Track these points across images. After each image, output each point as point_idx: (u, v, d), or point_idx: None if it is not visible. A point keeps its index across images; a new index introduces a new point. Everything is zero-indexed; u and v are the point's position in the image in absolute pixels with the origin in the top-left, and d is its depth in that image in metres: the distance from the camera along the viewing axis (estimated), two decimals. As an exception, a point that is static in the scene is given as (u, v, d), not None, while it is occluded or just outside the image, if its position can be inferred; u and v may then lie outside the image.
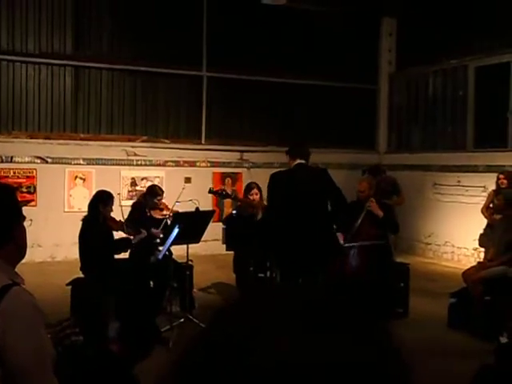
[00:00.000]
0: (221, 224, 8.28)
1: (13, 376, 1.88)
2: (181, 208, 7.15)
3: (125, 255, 7.09)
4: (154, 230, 6.84)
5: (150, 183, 10.83)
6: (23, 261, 2.18)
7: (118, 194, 6.97)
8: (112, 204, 6.54)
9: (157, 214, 7.21)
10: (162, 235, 6.77)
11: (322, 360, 0.55)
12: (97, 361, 2.81)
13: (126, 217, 6.84)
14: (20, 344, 1.89)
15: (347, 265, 6.63)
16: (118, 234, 6.85)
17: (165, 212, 7.25)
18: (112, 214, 6.63)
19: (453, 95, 11.76)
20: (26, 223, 2.17)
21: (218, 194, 7.66)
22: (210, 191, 7.63)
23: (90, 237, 6.34)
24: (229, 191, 8.68)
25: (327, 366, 0.55)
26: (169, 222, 6.88)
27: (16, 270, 2.11)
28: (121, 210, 6.71)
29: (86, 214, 6.58)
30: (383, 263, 6.81)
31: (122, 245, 6.71)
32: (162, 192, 7.38)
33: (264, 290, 0.68)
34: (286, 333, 0.57)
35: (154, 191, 7.32)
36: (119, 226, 6.62)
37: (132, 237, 6.71)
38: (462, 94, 11.51)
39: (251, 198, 7.44)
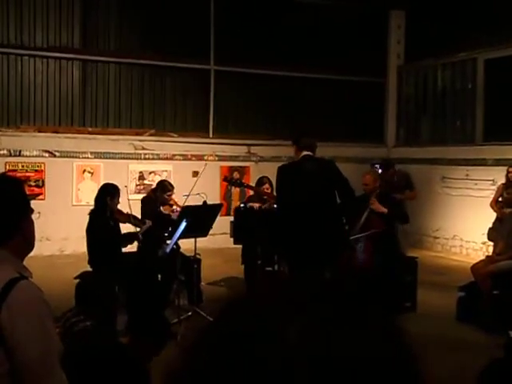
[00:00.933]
0: (228, 218, 8.28)
1: (20, 369, 1.88)
2: (188, 202, 7.15)
3: (133, 248, 7.11)
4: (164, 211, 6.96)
5: (157, 177, 10.86)
6: (32, 254, 2.18)
7: (125, 186, 6.98)
8: (119, 196, 6.55)
9: (166, 210, 7.22)
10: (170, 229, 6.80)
11: (329, 354, 0.54)
12: (106, 353, 2.82)
13: (133, 211, 6.84)
14: (27, 338, 1.89)
15: (355, 259, 6.61)
16: (124, 227, 6.86)
17: (174, 207, 7.27)
18: (119, 207, 6.66)
19: (462, 88, 11.70)
20: (33, 216, 2.17)
21: (233, 183, 7.70)
22: (226, 179, 7.75)
23: (97, 230, 6.35)
24: (243, 181, 8.74)
25: (335, 360, 0.54)
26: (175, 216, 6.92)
27: (24, 263, 2.11)
28: (128, 204, 6.72)
29: (92, 207, 6.59)
30: (391, 255, 6.78)
31: (129, 237, 6.73)
32: (173, 187, 7.40)
33: (272, 282, 0.68)
34: (294, 325, 0.56)
35: (165, 186, 7.34)
36: (126, 218, 6.64)
37: (138, 229, 6.73)
38: (471, 87, 11.44)
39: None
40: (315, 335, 0.55)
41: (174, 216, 6.97)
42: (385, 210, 6.69)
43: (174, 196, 7.50)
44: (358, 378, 0.54)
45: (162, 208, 7.23)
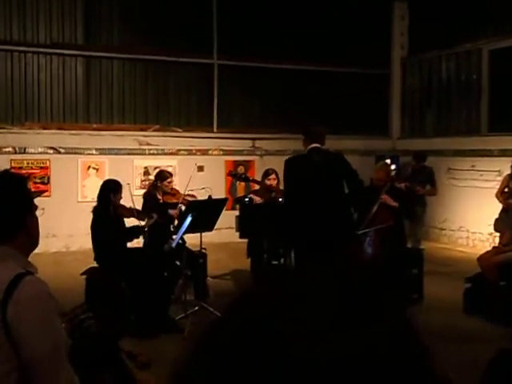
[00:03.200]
0: (234, 212, 8.27)
1: (28, 365, 1.89)
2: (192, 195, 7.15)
3: (138, 244, 7.12)
4: (170, 211, 6.88)
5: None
6: (38, 251, 2.18)
7: (128, 184, 6.97)
8: (121, 192, 6.56)
9: (170, 199, 7.20)
10: (178, 214, 6.81)
11: (339, 351, 0.53)
12: (111, 347, 2.83)
13: (137, 207, 6.84)
14: (34, 333, 1.90)
15: (363, 252, 6.61)
16: (129, 222, 6.86)
17: (177, 197, 7.23)
18: (122, 202, 6.67)
19: (467, 79, 11.64)
20: (38, 212, 2.17)
21: (238, 177, 7.69)
22: (230, 174, 7.75)
23: (102, 226, 6.36)
24: (248, 175, 8.74)
25: (345, 358, 0.53)
26: (183, 207, 6.90)
27: (30, 260, 2.12)
28: (131, 200, 6.72)
29: (95, 204, 6.60)
30: (398, 248, 6.78)
31: (134, 231, 6.72)
32: (171, 175, 7.41)
33: (279, 276, 0.67)
34: (302, 322, 0.55)
35: (163, 175, 7.34)
36: (130, 212, 6.65)
37: (143, 222, 6.74)
38: (476, 78, 11.39)
39: (268, 183, 7.44)
40: (324, 332, 0.55)
41: (181, 206, 6.98)
42: (395, 204, 6.70)
43: (177, 188, 7.50)
44: (372, 375, 0.53)
45: (164, 198, 7.17)
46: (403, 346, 0.57)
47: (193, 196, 7.38)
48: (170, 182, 7.26)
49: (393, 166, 9.36)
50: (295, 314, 0.56)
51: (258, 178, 8.16)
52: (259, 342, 0.54)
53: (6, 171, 2.28)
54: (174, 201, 7.14)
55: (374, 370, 0.53)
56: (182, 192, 7.37)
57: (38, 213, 2.17)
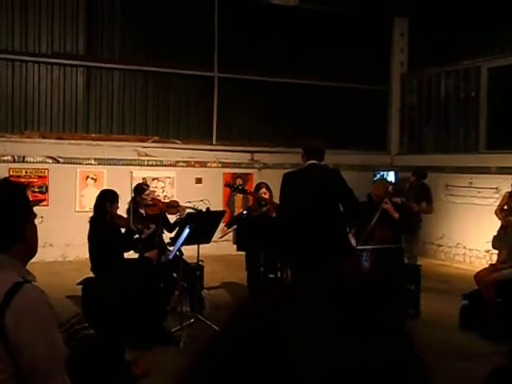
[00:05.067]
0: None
1: (25, 373, 1.88)
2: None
3: (135, 255, 7.10)
4: (147, 254, 6.81)
5: (161, 183, 10.86)
6: (34, 260, 2.17)
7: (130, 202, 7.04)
8: (117, 201, 6.56)
9: (153, 211, 7.16)
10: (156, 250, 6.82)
11: (340, 362, 0.54)
12: (107, 357, 2.81)
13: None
14: (32, 341, 1.89)
15: (359, 267, 6.60)
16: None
17: (159, 207, 7.19)
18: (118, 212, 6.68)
19: (465, 96, 11.69)
20: (37, 220, 2.17)
21: (235, 188, 7.72)
22: (227, 185, 7.78)
23: (98, 237, 6.36)
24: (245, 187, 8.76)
25: (345, 368, 0.53)
26: (168, 215, 6.91)
27: (27, 268, 2.11)
28: (131, 211, 6.73)
29: (92, 214, 6.60)
30: (395, 265, 6.78)
31: (130, 239, 6.70)
32: (148, 186, 7.40)
33: (277, 288, 0.67)
34: (302, 333, 0.55)
35: (140, 188, 7.33)
36: (127, 222, 6.64)
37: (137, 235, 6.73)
38: (475, 95, 11.44)
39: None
40: (325, 343, 0.55)
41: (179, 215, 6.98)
42: (396, 215, 6.71)
43: (156, 194, 7.49)
44: None
45: (147, 210, 7.14)
46: (405, 356, 0.57)
47: (173, 201, 7.40)
48: (147, 195, 7.23)
49: (390, 181, 9.40)
50: (297, 325, 0.56)
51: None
52: (262, 355, 0.54)
53: (6, 179, 2.27)
54: (157, 212, 7.09)
55: (377, 380, 0.53)
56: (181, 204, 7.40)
57: (36, 221, 2.17)
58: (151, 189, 7.43)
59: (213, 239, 6.76)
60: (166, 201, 7.30)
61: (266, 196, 7.42)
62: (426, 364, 0.59)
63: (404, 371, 0.56)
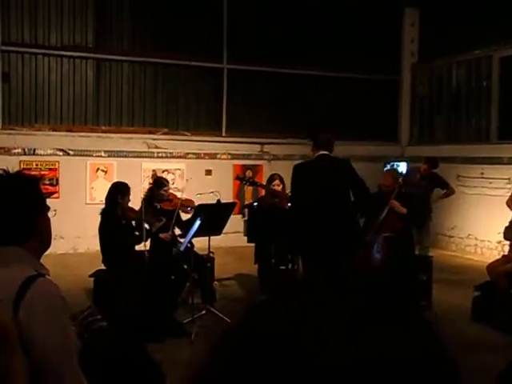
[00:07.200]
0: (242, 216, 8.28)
1: (38, 366, 1.88)
2: (202, 200, 7.13)
3: (146, 247, 7.12)
4: (162, 235, 6.84)
5: (171, 175, 10.87)
6: (46, 252, 2.18)
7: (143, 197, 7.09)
8: (129, 194, 6.57)
9: (167, 206, 7.17)
10: (170, 235, 6.82)
11: (357, 355, 0.52)
12: (121, 351, 2.82)
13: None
14: (46, 334, 1.89)
15: (370, 258, 6.59)
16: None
17: (174, 202, 7.21)
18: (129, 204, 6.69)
19: (477, 86, 11.61)
20: (50, 214, 2.16)
21: (246, 181, 7.72)
22: (238, 178, 7.80)
23: (109, 229, 6.37)
24: (255, 180, 8.76)
25: (363, 362, 0.52)
26: (181, 212, 6.92)
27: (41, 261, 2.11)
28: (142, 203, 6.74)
29: (103, 206, 6.61)
30: (406, 255, 6.76)
31: (141, 234, 6.70)
32: (168, 182, 7.40)
33: (291, 282, 0.67)
34: (317, 327, 0.54)
35: (161, 182, 7.32)
36: (138, 214, 6.65)
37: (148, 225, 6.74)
38: (486, 85, 11.35)
39: (273, 188, 7.43)
40: (340, 337, 0.54)
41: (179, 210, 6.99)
42: (404, 211, 6.68)
43: (171, 191, 7.50)
44: (399, 377, 0.52)
45: (161, 205, 7.15)
46: (429, 350, 0.56)
47: (190, 201, 7.39)
48: (166, 191, 7.23)
49: (401, 171, 9.37)
50: (313, 321, 0.55)
51: (265, 181, 8.17)
52: (274, 352, 0.54)
53: (19, 172, 2.26)
54: (171, 208, 7.09)
55: (401, 373, 0.52)
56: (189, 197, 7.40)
57: (50, 214, 2.16)
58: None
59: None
60: (183, 197, 7.30)
61: (279, 188, 7.38)
62: (451, 357, 0.58)
63: (429, 365, 0.55)
